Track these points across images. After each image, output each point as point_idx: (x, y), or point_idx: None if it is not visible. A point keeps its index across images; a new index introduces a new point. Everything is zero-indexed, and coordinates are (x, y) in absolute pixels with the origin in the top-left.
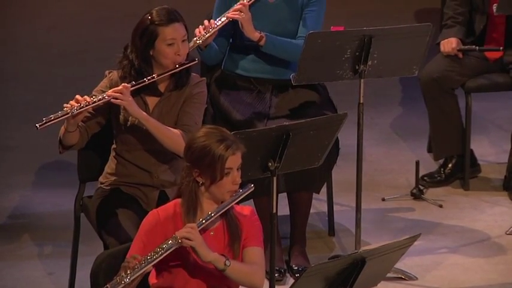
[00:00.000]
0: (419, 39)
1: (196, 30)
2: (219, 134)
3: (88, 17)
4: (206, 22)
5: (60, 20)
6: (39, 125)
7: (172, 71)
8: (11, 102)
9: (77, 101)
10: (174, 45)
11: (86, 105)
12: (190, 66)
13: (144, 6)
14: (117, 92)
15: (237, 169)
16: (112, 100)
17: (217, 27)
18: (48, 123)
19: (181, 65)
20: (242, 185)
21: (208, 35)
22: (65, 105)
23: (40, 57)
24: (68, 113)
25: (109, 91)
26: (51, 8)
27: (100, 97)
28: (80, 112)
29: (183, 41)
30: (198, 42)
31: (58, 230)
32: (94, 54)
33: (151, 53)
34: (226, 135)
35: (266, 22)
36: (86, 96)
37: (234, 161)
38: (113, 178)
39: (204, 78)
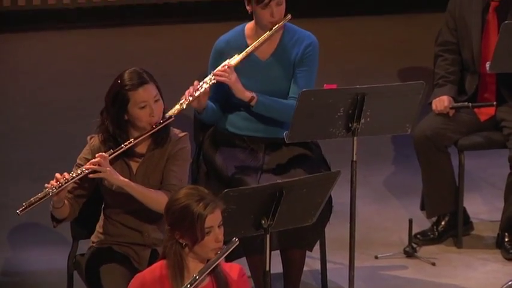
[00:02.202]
0: (412, 97)
1: (186, 92)
2: (197, 194)
3: (81, 74)
4: (196, 83)
5: (54, 77)
6: (20, 211)
7: (149, 133)
8: (4, 160)
9: (57, 180)
10: (146, 108)
11: (66, 183)
12: (166, 125)
13: (137, 63)
14: (95, 164)
15: (218, 226)
16: (90, 176)
17: (202, 90)
18: (28, 208)
19: (157, 125)
20: (227, 240)
21: (191, 99)
22: (46, 185)
23: (33, 115)
24: (48, 195)
25: (87, 164)
26: (44, 66)
27: (79, 172)
28: (61, 190)
29: (156, 101)
30: (183, 106)
31: (51, 287)
32: (87, 111)
33: (126, 117)
34: (204, 194)
35: (258, 80)
36: (65, 173)
37: (213, 219)
38: (105, 237)
39: (186, 132)
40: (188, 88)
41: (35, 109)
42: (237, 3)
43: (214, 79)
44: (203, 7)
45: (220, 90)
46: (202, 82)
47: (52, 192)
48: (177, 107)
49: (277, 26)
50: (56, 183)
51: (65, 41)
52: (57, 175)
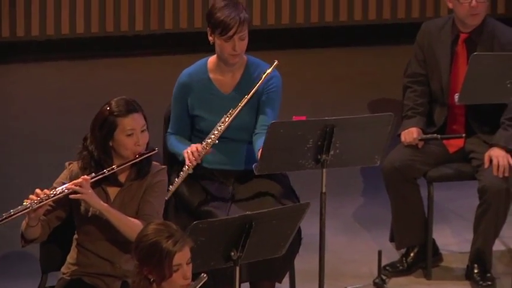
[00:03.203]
0: (381, 129)
1: (188, 155)
2: (166, 230)
3: (50, 106)
4: (197, 147)
5: (26, 109)
6: None
7: (132, 161)
8: None
9: (37, 195)
10: (133, 136)
11: (46, 199)
12: (150, 156)
13: (107, 95)
14: (77, 185)
15: (187, 263)
16: (71, 196)
17: (203, 155)
18: (8, 219)
19: (141, 155)
20: (195, 276)
21: (196, 164)
22: (25, 200)
23: (4, 146)
24: (28, 208)
25: (69, 184)
26: (17, 98)
27: (60, 190)
28: (41, 206)
29: (143, 131)
30: (190, 171)
31: None
32: (59, 143)
33: (110, 143)
34: (173, 231)
35: (221, 114)
36: (45, 190)
37: (182, 256)
38: (75, 268)
39: (165, 166)
40: (186, 153)
41: (6, 141)
42: (207, 35)
43: (215, 138)
44: (172, 39)
45: (183, 124)
46: (204, 144)
47: (32, 207)
48: (183, 174)
49: (266, 73)
50: (36, 198)
51: (33, 73)
52: (38, 190)
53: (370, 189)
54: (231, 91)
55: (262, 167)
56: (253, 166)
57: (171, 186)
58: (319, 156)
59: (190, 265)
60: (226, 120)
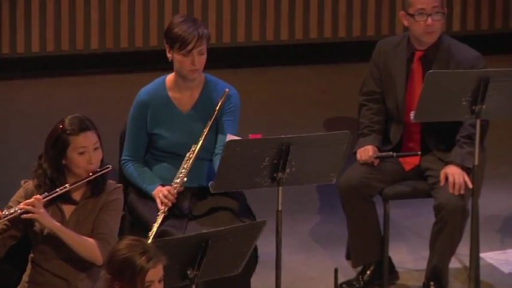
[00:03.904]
0: (337, 147)
1: (161, 200)
2: (140, 246)
3: (9, 125)
4: (168, 190)
5: None
6: None
7: (85, 180)
8: None
9: None
10: (85, 154)
11: None
12: (103, 173)
13: (65, 114)
14: (29, 205)
15: (159, 281)
16: (23, 216)
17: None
18: None
19: (94, 172)
20: None
21: (170, 205)
22: None
23: None
24: None
25: (21, 204)
26: None
27: (12, 211)
28: None
29: (95, 148)
30: (165, 214)
31: None
32: (16, 161)
33: (63, 162)
34: (148, 247)
35: (180, 132)
36: None
37: (155, 273)
38: (30, 286)
39: (121, 184)
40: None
41: None
42: (162, 53)
43: (183, 177)
44: (127, 57)
45: (139, 145)
46: (174, 185)
47: None
48: (158, 219)
49: (219, 104)
50: None
51: None
52: None
53: (326, 207)
54: (190, 109)
55: (218, 185)
56: (209, 184)
57: (149, 233)
58: (275, 175)
59: (162, 283)
60: (190, 157)
